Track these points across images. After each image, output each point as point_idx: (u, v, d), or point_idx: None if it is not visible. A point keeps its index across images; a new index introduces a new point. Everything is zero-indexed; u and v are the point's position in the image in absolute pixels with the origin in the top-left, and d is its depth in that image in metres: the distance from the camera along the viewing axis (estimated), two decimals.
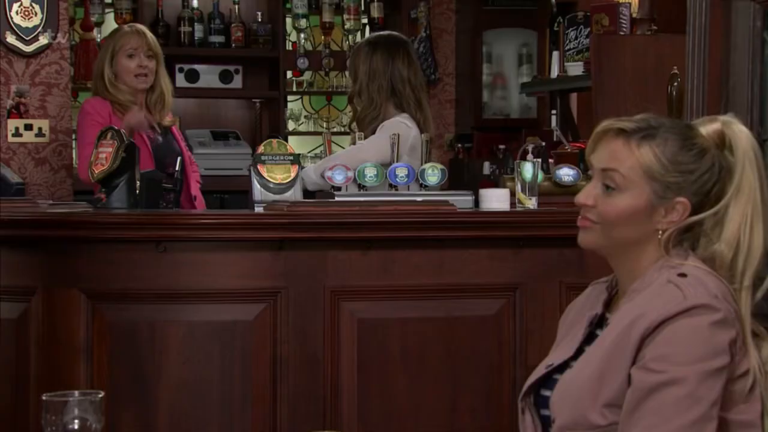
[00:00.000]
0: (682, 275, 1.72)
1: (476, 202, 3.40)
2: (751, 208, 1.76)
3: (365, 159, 3.49)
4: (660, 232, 1.78)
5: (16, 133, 4.70)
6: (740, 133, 1.78)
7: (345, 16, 6.59)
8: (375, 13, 6.66)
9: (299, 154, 3.41)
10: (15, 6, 4.66)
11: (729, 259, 1.75)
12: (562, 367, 1.83)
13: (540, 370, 1.86)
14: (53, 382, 2.83)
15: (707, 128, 1.79)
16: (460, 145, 6.71)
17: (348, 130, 6.68)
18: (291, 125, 6.73)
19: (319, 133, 6.50)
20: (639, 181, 1.77)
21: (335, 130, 6.83)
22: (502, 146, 6.32)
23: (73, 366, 2.95)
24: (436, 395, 3.05)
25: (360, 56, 3.90)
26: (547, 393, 1.82)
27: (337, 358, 3.00)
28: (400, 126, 3.77)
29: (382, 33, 4.21)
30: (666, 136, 1.77)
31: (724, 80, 2.26)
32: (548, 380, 1.84)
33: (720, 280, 1.74)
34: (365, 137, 3.80)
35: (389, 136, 3.62)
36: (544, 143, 5.26)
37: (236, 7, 6.49)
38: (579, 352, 1.82)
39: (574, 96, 5.93)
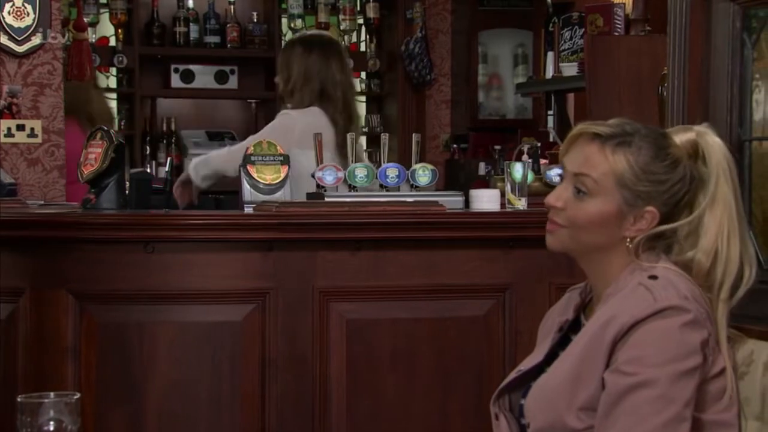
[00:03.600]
0: (653, 277, 1.72)
1: (467, 203, 3.40)
2: (727, 219, 1.75)
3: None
4: (627, 239, 1.77)
5: (8, 134, 4.69)
6: (714, 145, 1.78)
7: (341, 17, 6.59)
8: (371, 13, 6.66)
9: (288, 155, 3.40)
10: (7, 6, 4.65)
11: (706, 268, 1.75)
12: (537, 372, 1.82)
13: (511, 375, 1.86)
14: (41, 383, 2.83)
15: (681, 138, 1.79)
16: (455, 145, 6.71)
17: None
18: None
19: None
20: (610, 187, 1.76)
21: None
22: (497, 147, 6.31)
23: (61, 367, 2.94)
24: (426, 396, 3.04)
25: (294, 56, 3.86)
26: (524, 402, 1.82)
27: (326, 358, 2.99)
28: (282, 119, 3.76)
29: (314, 33, 4.19)
30: (640, 144, 1.77)
31: (705, 81, 2.25)
32: (525, 388, 1.83)
33: (691, 281, 1.74)
34: None
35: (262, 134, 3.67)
36: (539, 144, 5.26)
37: (232, 7, 6.48)
38: (551, 357, 1.82)
39: (571, 96, 5.92)
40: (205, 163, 3.88)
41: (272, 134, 3.67)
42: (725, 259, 1.74)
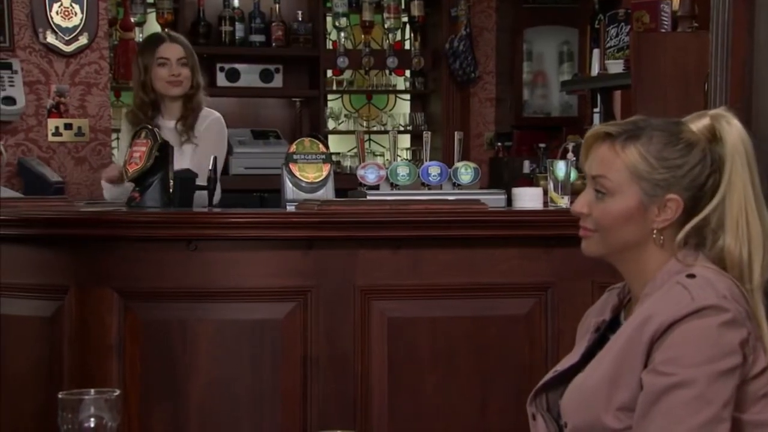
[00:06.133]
0: (691, 276, 1.70)
1: (510, 201, 3.39)
2: (745, 200, 1.74)
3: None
4: (655, 231, 1.76)
5: (56, 133, 4.75)
6: (729, 126, 1.76)
7: (385, 15, 6.59)
8: (415, 11, 6.65)
9: (331, 153, 3.41)
10: (55, 6, 4.71)
11: (737, 253, 1.73)
12: (574, 372, 1.81)
13: (548, 375, 1.85)
14: (85, 380, 2.86)
15: (697, 124, 1.78)
16: (500, 143, 6.68)
17: (386, 129, 6.68)
18: (331, 124, 6.73)
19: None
20: (627, 182, 1.76)
21: (375, 129, 6.83)
22: (542, 145, 6.29)
23: (105, 364, 2.97)
24: (466, 395, 3.04)
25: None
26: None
27: (367, 357, 3.00)
28: (221, 125, 3.93)
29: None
30: (651, 134, 1.76)
31: (748, 78, 2.22)
32: (563, 388, 1.82)
33: (731, 280, 1.72)
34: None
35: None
36: None
37: (277, 6, 6.50)
38: (589, 357, 1.81)
39: (617, 94, 5.87)
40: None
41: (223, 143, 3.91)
42: (747, 240, 1.72)
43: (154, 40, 4.01)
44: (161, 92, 3.88)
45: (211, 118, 3.91)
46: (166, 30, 6.18)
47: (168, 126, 3.85)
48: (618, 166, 1.76)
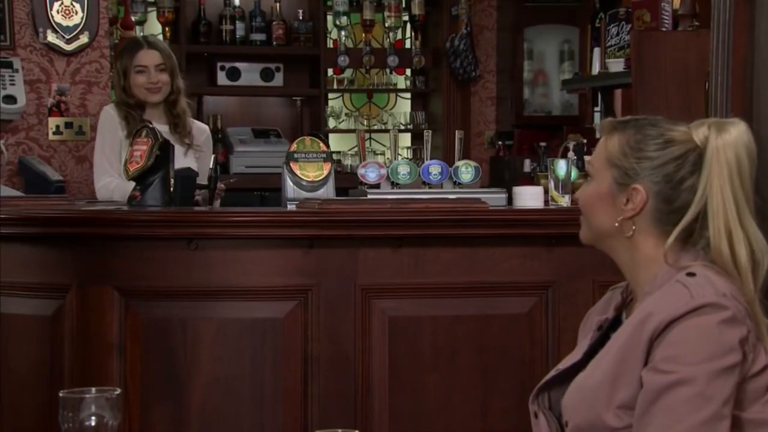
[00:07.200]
0: (691, 274, 1.71)
1: (511, 200, 3.39)
2: (724, 205, 1.74)
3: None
4: (619, 219, 1.79)
5: (57, 131, 4.75)
6: (717, 133, 1.76)
7: (386, 14, 6.60)
8: (416, 10, 6.66)
9: (331, 152, 3.42)
10: (56, 5, 4.71)
11: (723, 255, 1.74)
12: (576, 371, 1.82)
13: (550, 374, 1.86)
14: (86, 379, 2.86)
15: (696, 130, 1.79)
16: (500, 142, 6.68)
17: (387, 128, 6.68)
18: (332, 123, 6.74)
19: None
20: (603, 167, 1.82)
21: (375, 127, 6.83)
22: (543, 143, 6.29)
23: (106, 363, 2.97)
24: (468, 394, 3.04)
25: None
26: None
27: (368, 356, 3.00)
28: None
29: None
30: (639, 127, 1.81)
31: (749, 78, 2.22)
32: (565, 387, 1.83)
33: (729, 279, 1.72)
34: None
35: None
36: (585, 140, 5.22)
37: (277, 5, 6.51)
38: (591, 356, 1.81)
39: (618, 93, 5.87)
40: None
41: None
42: (728, 244, 1.74)
43: (132, 46, 4.04)
44: (140, 98, 3.92)
45: (207, 131, 4.10)
46: (165, 30, 6.22)
47: (161, 131, 3.86)
48: (601, 153, 1.82)
